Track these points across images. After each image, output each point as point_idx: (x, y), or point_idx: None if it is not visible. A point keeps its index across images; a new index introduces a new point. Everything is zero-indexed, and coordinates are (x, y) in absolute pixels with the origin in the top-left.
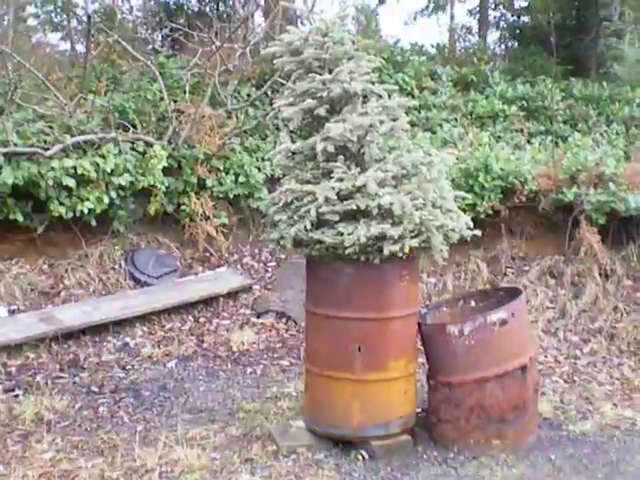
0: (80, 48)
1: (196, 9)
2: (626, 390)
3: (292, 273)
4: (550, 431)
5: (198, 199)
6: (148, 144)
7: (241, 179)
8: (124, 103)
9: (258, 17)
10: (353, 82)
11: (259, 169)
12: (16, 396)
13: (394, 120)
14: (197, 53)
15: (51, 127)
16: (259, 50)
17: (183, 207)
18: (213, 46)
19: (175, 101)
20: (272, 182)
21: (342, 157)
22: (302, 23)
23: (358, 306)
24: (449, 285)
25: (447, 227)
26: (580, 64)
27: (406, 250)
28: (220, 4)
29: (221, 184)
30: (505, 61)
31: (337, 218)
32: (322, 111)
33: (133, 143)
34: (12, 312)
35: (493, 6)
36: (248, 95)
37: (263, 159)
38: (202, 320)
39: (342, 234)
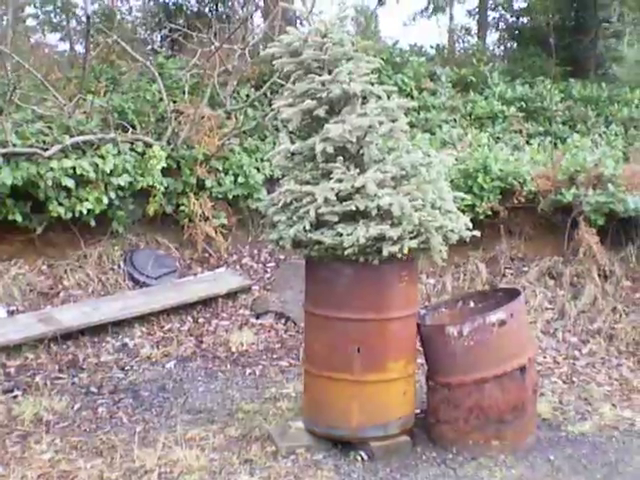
0: (79, 48)
1: (195, 10)
2: (625, 391)
3: (291, 274)
4: (549, 432)
5: (197, 200)
6: (147, 145)
7: (240, 180)
8: (123, 104)
9: (257, 18)
10: (352, 83)
11: (258, 170)
12: (15, 397)
13: (393, 121)
14: (196, 54)
15: (50, 127)
16: (258, 51)
17: (182, 208)
18: (212, 47)
19: (174, 102)
20: (271, 183)
21: (341, 158)
22: (301, 24)
23: (357, 307)
24: (448, 286)
25: (446, 228)
26: (579, 65)
27: (405, 251)
28: (219, 5)
29: (220, 185)
30: (504, 62)
31: (336, 219)
32: (321, 112)
33: (132, 144)
34: (11, 313)
35: (492, 7)
36: (247, 96)
37: (262, 160)
38: (201, 321)
39: (341, 235)
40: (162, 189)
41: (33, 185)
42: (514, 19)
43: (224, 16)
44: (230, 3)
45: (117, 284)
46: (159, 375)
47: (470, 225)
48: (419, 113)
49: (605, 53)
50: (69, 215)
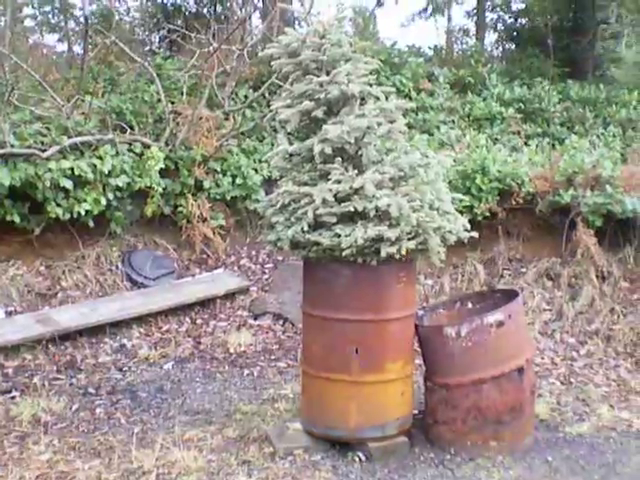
0: (77, 49)
1: (194, 10)
2: (622, 392)
3: (289, 275)
4: (547, 433)
5: (195, 201)
6: (145, 145)
7: (238, 181)
8: (121, 104)
9: (255, 19)
10: (351, 84)
11: (256, 171)
12: (13, 397)
13: (391, 122)
14: (194, 54)
15: (48, 128)
16: (257, 52)
17: (180, 209)
18: (211, 47)
19: (172, 102)
20: (269, 184)
21: (339, 159)
22: (300, 25)
23: (355, 308)
24: (446, 287)
25: (444, 229)
26: (577, 66)
27: (403, 252)
28: (218, 6)
29: (218, 186)
30: (502, 63)
31: (334, 220)
32: (319, 113)
33: (130, 144)
34: (9, 313)
35: (490, 8)
36: (245, 97)
37: (260, 161)
38: (199, 322)
39: (339, 236)
40: (160, 190)
41: (31, 186)
42: (512, 20)
43: (222, 17)
44: (228, 4)
45: (115, 285)
46: (157, 376)
47: (468, 226)
48: (417, 114)
49: (603, 54)
50: (67, 216)
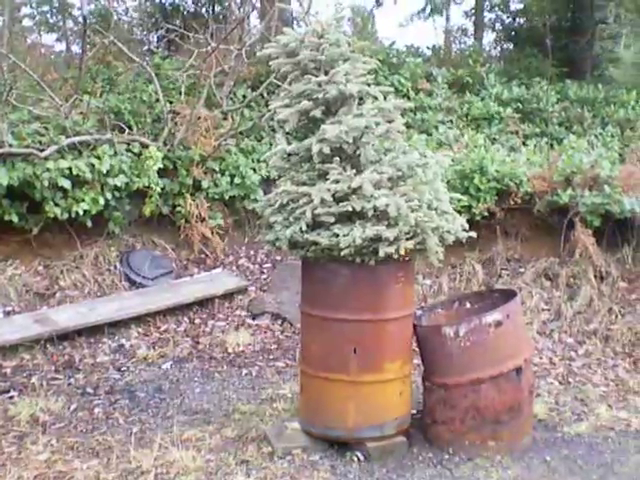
0: (76, 49)
1: (192, 10)
2: (621, 391)
3: (288, 274)
4: (545, 432)
5: (193, 200)
6: (143, 145)
7: (237, 180)
8: (119, 104)
9: (254, 18)
10: (349, 84)
11: (255, 170)
12: (11, 397)
13: (390, 122)
14: (193, 54)
15: (46, 128)
16: (255, 51)
17: (178, 208)
18: (209, 47)
19: (171, 102)
20: (268, 183)
21: (338, 159)
22: (298, 25)
23: (354, 308)
24: (444, 287)
25: (442, 229)
26: (575, 66)
27: (401, 252)
28: (216, 5)
29: (217, 185)
30: (500, 63)
31: (333, 220)
32: (318, 113)
33: (128, 144)
34: (7, 313)
35: (489, 8)
36: (244, 96)
37: (259, 160)
38: (197, 321)
39: (337, 236)
40: (158, 190)
41: (29, 185)
42: (510, 20)
43: (221, 16)
44: (227, 4)
45: (113, 285)
46: (155, 376)
47: (466, 226)
48: (415, 114)
49: (601, 54)
50: (65, 216)
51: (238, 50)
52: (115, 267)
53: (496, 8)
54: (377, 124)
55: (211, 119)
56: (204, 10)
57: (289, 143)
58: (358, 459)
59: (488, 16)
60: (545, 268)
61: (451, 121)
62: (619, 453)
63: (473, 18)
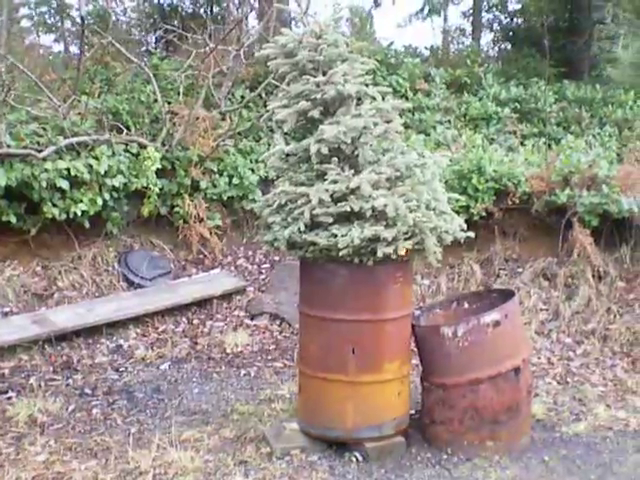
0: (74, 50)
1: (190, 11)
2: (619, 391)
3: (286, 275)
4: (543, 432)
5: (192, 201)
6: (142, 146)
7: (235, 181)
8: (118, 105)
9: (252, 19)
10: (347, 84)
11: (253, 171)
12: (9, 398)
13: (388, 122)
14: (191, 55)
15: (44, 129)
16: (253, 52)
17: (177, 209)
18: (207, 48)
19: (169, 103)
20: (266, 184)
21: (336, 159)
22: (296, 25)
23: (352, 308)
24: (443, 287)
25: (441, 229)
26: (573, 66)
27: (400, 252)
28: (214, 6)
29: (215, 186)
30: (498, 63)
31: (331, 220)
32: (316, 113)
33: (127, 145)
34: (5, 314)
35: (486, 8)
36: (242, 97)
37: (257, 161)
38: (196, 322)
39: (336, 236)
40: (156, 190)
41: (27, 186)
42: (508, 20)
43: (219, 17)
44: (225, 4)
45: (111, 285)
46: (153, 376)
47: (464, 226)
48: (413, 114)
49: (599, 55)
50: (63, 216)
51: (236, 51)
52: (113, 268)
53: (494, 8)
54: (375, 124)
55: (209, 119)
56: (202, 11)
57: (287, 143)
58: (356, 459)
59: (486, 16)
60: (543, 268)
61: (449, 121)
62: (617, 453)
63: (471, 18)
